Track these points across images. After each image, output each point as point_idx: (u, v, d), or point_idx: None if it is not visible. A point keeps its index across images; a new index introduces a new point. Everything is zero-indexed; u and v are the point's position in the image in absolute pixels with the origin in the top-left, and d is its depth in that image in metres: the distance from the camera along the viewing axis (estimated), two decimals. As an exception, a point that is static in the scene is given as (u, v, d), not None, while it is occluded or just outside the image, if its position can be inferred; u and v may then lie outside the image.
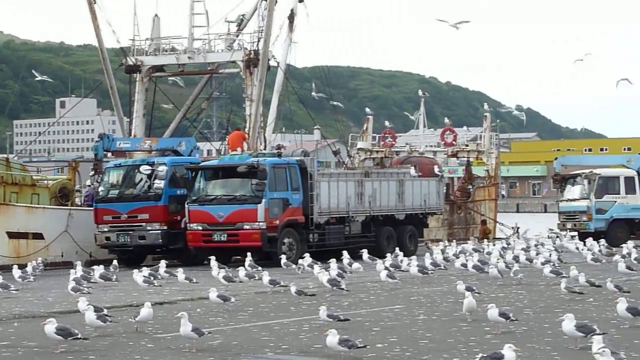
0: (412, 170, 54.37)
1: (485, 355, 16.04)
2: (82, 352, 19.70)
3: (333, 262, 34.95)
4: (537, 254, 40.90)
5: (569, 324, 18.80)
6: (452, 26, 69.17)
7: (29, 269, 36.53)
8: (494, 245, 49.42)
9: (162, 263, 37.21)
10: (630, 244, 46.40)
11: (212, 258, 36.95)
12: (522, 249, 44.06)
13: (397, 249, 43.82)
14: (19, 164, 56.32)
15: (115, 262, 39.58)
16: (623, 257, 39.24)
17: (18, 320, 25.50)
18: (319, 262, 36.29)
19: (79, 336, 19.89)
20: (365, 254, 40.58)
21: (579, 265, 38.10)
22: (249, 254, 37.79)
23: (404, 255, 40.48)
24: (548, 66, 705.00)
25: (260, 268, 35.48)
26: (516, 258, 38.60)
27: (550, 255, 40.73)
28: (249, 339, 21.25)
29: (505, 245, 48.48)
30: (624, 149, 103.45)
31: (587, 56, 67.39)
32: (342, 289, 29.84)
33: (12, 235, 46.52)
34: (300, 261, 38.68)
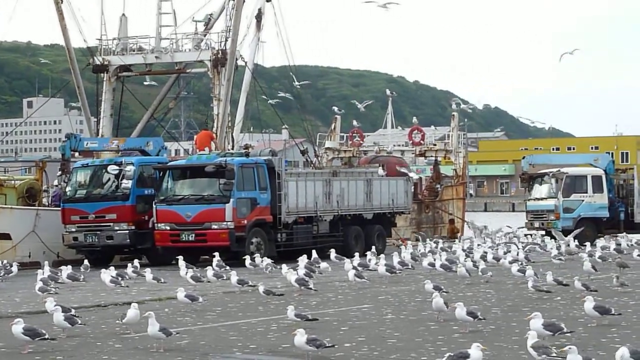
0: (380, 170, 54.51)
1: (452, 354, 16.08)
2: (49, 352, 19.66)
3: (301, 261, 35.06)
4: (505, 253, 41.15)
5: (536, 322, 18.87)
6: (380, 7, 68.55)
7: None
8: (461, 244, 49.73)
9: (136, 262, 37.23)
10: (600, 242, 46.84)
11: (180, 258, 36.91)
12: (489, 248, 44.35)
13: (372, 248, 43.91)
14: (-15, 164, 56.12)
15: (86, 262, 39.49)
16: (590, 255, 39.43)
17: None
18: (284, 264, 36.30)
19: (46, 337, 19.86)
20: (333, 253, 40.65)
21: (545, 264, 38.35)
22: (216, 254, 37.76)
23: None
24: (515, 64, 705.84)
25: (228, 268, 35.48)
26: (484, 257, 38.74)
27: (517, 254, 41.00)
28: (217, 338, 21.26)
29: (472, 244, 48.70)
30: (592, 148, 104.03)
31: (575, 51, 66.56)
32: (310, 288, 29.83)
33: (-21, 236, 46.38)
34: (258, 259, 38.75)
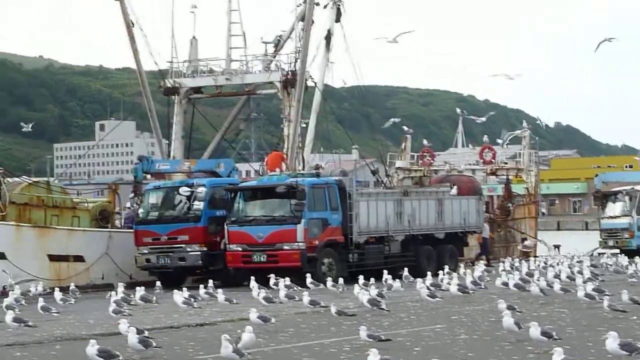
0: (454, 190, 54.33)
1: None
2: (123, 375, 19.75)
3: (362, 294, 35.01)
4: (579, 272, 40.77)
5: (612, 342, 18.66)
6: (390, 42, 68.21)
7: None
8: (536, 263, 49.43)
9: (211, 283, 37.35)
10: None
11: (252, 279, 37.10)
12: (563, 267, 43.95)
13: (445, 267, 43.71)
14: (60, 187, 56.63)
15: (158, 283, 39.68)
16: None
17: (60, 342, 25.54)
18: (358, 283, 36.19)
19: (120, 358, 19.95)
20: (405, 272, 40.60)
21: (619, 283, 37.94)
22: (287, 278, 37.62)
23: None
24: (585, 81, 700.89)
25: (298, 288, 35.47)
26: (557, 276, 38.43)
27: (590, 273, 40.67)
28: (289, 359, 21.20)
29: (546, 264, 48.35)
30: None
31: (613, 40, 65.37)
32: (383, 308, 29.74)
33: (53, 258, 46.72)
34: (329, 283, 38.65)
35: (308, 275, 38.38)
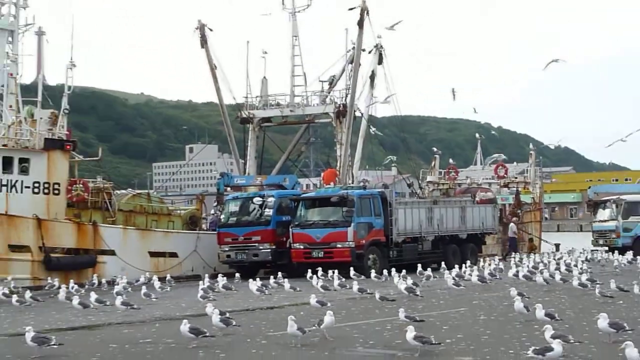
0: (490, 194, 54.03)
1: (537, 348, 15.93)
2: (210, 347, 19.87)
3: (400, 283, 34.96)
4: (575, 265, 40.60)
5: (603, 321, 18.59)
6: (388, 29, 66.47)
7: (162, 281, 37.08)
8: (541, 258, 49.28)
9: (280, 275, 37.42)
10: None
11: (309, 271, 37.36)
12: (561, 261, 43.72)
13: (467, 261, 43.60)
14: (158, 197, 57.03)
15: (237, 275, 39.76)
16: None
17: (158, 322, 25.74)
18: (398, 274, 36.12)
19: (207, 334, 20.08)
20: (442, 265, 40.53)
21: (608, 274, 37.64)
22: (335, 270, 37.64)
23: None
24: (580, 111, 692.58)
25: (344, 279, 35.46)
26: (558, 269, 38.30)
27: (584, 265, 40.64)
28: (342, 336, 21.26)
29: (549, 259, 48.16)
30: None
31: (560, 61, 63.89)
32: (417, 295, 29.74)
33: (152, 254, 47.01)
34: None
35: (351, 268, 38.43)
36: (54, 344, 19.28)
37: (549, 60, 69.50)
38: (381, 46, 60.26)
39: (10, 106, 45.31)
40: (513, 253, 55.26)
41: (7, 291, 33.64)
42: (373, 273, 38.30)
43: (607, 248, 58.63)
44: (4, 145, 43.64)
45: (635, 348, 14.93)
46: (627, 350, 15.00)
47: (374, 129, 65.28)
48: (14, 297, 31.74)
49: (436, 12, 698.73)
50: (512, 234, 61.57)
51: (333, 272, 36.55)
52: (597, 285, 29.39)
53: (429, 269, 39.89)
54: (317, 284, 33.45)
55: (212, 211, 54.14)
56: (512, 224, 62.31)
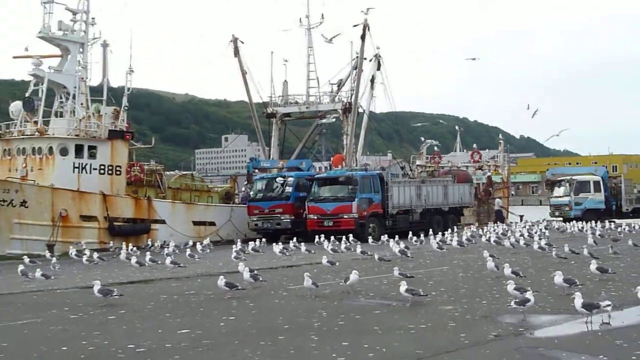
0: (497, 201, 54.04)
1: (517, 300, 15.96)
2: (241, 297, 19.91)
3: (395, 244, 34.85)
4: (535, 233, 40.58)
5: (558, 278, 18.59)
6: (327, 42, 65.88)
7: (203, 243, 37.18)
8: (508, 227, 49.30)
9: (295, 240, 37.45)
10: (599, 225, 46.09)
11: (320, 237, 37.48)
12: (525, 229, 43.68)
13: (449, 229, 43.57)
14: (199, 177, 57.15)
15: (263, 240, 39.74)
16: (592, 233, 38.76)
17: (200, 277, 25.79)
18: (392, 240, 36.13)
19: (239, 287, 20.15)
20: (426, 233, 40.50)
21: (563, 239, 37.53)
22: (350, 235, 37.83)
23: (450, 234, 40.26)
24: (541, 106, 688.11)
25: (348, 243, 35.50)
26: (522, 235, 38.28)
27: (544, 233, 40.58)
28: (347, 290, 21.29)
29: (514, 228, 48.26)
30: (593, 163, 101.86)
31: (476, 60, 63.66)
32: (408, 256, 29.76)
33: (195, 223, 47.21)
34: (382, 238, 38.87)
35: (350, 235, 38.34)
36: (116, 295, 19.38)
37: (468, 57, 69.56)
38: (379, 55, 60.14)
39: (82, 104, 45.47)
40: (499, 222, 55.36)
41: (78, 252, 33.90)
42: (370, 239, 38.47)
43: (562, 218, 58.74)
44: (76, 135, 43.88)
45: (583, 299, 14.91)
46: (576, 300, 14.98)
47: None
48: (84, 257, 31.95)
49: (431, 15, 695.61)
50: (499, 207, 62.17)
51: (346, 237, 36.73)
52: (554, 249, 29.42)
53: (422, 235, 39.75)
54: (327, 247, 33.57)
55: (243, 189, 54.37)
56: (497, 199, 62.84)
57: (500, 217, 61.27)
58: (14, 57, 47.22)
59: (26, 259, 30.19)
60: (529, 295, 16.11)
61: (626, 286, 19.58)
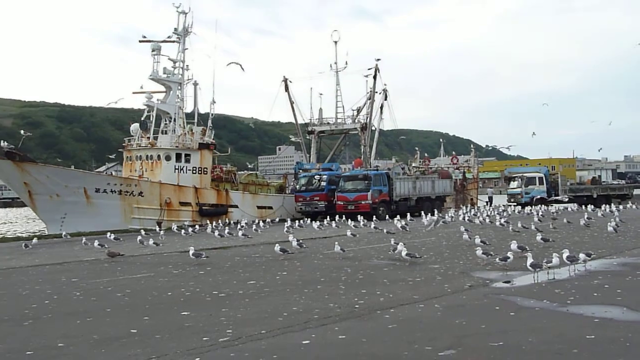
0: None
1: (500, 257, 16.06)
2: (291, 260, 19.91)
3: (397, 221, 34.64)
4: (497, 214, 40.14)
5: (514, 245, 18.39)
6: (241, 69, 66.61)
7: (264, 222, 37.22)
8: (477, 209, 48.82)
9: (327, 219, 37.38)
10: (541, 207, 45.63)
11: (344, 217, 37.27)
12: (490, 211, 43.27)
13: (435, 211, 43.40)
14: (261, 176, 57.29)
15: (307, 219, 39.68)
16: (537, 214, 38.36)
17: (262, 245, 25.84)
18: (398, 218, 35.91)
19: (289, 252, 20.18)
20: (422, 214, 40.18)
21: (516, 218, 37.13)
22: (360, 216, 37.56)
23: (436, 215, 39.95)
24: (500, 125, 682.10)
25: (363, 223, 35.37)
26: (488, 215, 37.94)
27: (503, 214, 40.16)
28: (365, 254, 21.23)
29: (482, 210, 47.78)
30: (538, 164, 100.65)
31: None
32: (407, 230, 29.60)
33: (259, 207, 47.32)
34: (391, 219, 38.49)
35: (360, 217, 37.28)
36: (204, 257, 19.49)
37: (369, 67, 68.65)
38: (386, 89, 59.81)
39: (180, 125, 45.79)
40: (489, 205, 55.40)
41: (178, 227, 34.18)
42: (373, 223, 37.13)
43: (515, 204, 58.06)
44: (176, 147, 44.22)
45: (533, 259, 14.74)
46: (529, 260, 14.83)
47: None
48: (182, 230, 32.17)
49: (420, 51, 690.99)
50: (491, 194, 62.85)
51: (362, 217, 36.63)
52: (510, 225, 29.08)
53: (429, 215, 39.37)
54: (350, 224, 33.50)
55: (292, 183, 54.37)
56: (489, 189, 63.33)
57: (490, 202, 62.87)
58: (133, 93, 47.74)
59: (142, 232, 30.51)
60: (509, 253, 16.32)
61: (562, 248, 19.28)
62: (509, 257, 16.05)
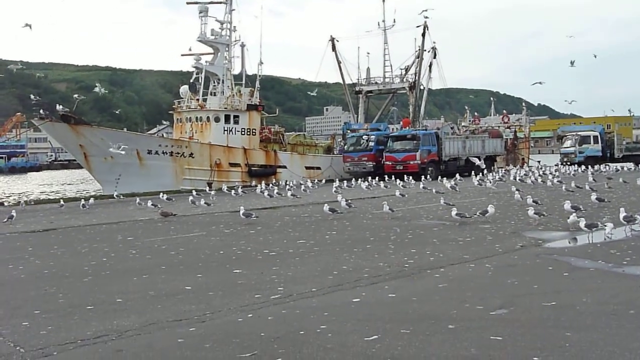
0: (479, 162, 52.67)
1: (480, 211, 15.96)
2: (340, 220, 19.98)
3: (447, 182, 34.29)
4: (550, 174, 39.34)
5: (567, 205, 18.00)
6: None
7: (312, 183, 37.37)
8: (529, 169, 47.96)
9: (377, 179, 37.31)
10: (595, 167, 44.59)
11: (392, 177, 37.09)
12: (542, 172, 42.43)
13: (485, 171, 42.96)
14: (310, 136, 57.55)
15: (355, 180, 39.77)
16: (591, 173, 37.39)
17: (311, 205, 25.93)
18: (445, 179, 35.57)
19: (338, 211, 20.25)
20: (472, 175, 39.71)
21: (571, 178, 36.29)
22: (410, 177, 37.45)
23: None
24: (553, 81, 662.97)
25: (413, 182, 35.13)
26: (540, 175, 37.22)
27: (555, 172, 39.32)
28: (414, 214, 21.14)
29: (535, 170, 46.90)
30: (592, 122, 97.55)
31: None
32: (457, 190, 29.29)
33: (307, 168, 47.57)
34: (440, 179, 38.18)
35: (410, 177, 37.60)
36: (254, 217, 19.75)
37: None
38: (435, 47, 58.65)
39: (228, 86, 46.12)
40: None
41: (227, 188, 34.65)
42: (422, 183, 34.68)
43: (569, 163, 56.79)
44: (225, 108, 44.62)
45: (585, 220, 14.42)
46: (582, 221, 14.51)
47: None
48: (232, 191, 32.59)
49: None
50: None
51: (412, 177, 36.50)
52: (564, 184, 28.46)
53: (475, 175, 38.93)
54: (398, 184, 33.33)
55: (340, 144, 54.28)
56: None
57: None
58: (182, 55, 48.27)
59: (194, 192, 31.06)
60: (489, 207, 17.31)
61: (618, 212, 18.80)
62: (486, 212, 16.93)
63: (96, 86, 46.03)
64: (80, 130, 38.84)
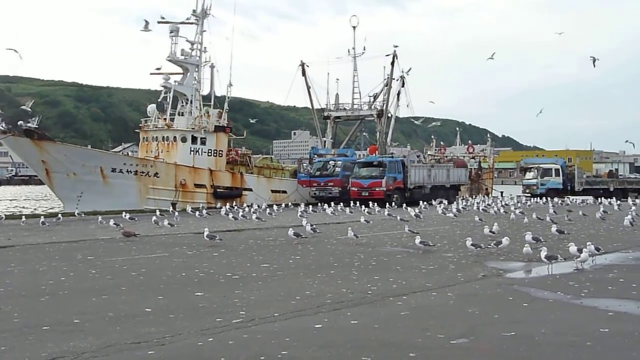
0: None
1: (494, 242, 16.03)
2: (304, 244, 19.90)
3: (411, 210, 34.46)
4: (512, 205, 39.94)
5: (528, 236, 18.30)
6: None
7: (277, 206, 37.24)
8: (491, 200, 48.57)
9: (341, 205, 37.31)
10: (556, 199, 45.31)
11: (357, 203, 37.14)
12: (505, 203, 43.03)
13: (457, 199, 43.42)
14: (276, 160, 57.32)
15: (320, 205, 39.74)
16: (553, 205, 38.09)
17: (276, 228, 25.82)
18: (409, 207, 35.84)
19: (303, 236, 20.18)
20: (434, 202, 40.03)
21: (532, 210, 36.85)
22: (375, 203, 37.63)
23: (449, 203, 39.81)
24: (518, 113, 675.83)
25: (377, 209, 35.28)
26: (503, 206, 37.76)
27: (518, 205, 39.91)
28: (378, 240, 21.21)
29: (496, 201, 47.52)
30: (555, 155, 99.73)
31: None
32: (420, 218, 29.52)
33: (273, 191, 47.44)
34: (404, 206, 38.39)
35: (375, 203, 37.80)
36: (218, 239, 19.59)
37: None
38: (404, 76, 59.43)
39: (196, 107, 45.90)
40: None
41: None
42: (387, 210, 35.23)
43: (530, 195, 57.77)
44: (192, 129, 44.35)
45: (548, 252, 14.66)
46: (542, 253, 14.75)
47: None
48: (197, 212, 32.33)
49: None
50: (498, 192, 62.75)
51: (376, 204, 36.64)
52: (525, 216, 28.95)
53: (443, 202, 39.29)
54: (364, 210, 33.48)
55: (305, 167, 54.34)
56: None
57: (502, 194, 62.41)
58: (151, 74, 47.91)
59: (157, 212, 30.69)
60: (504, 240, 17.08)
61: (577, 242, 19.17)
62: (500, 242, 16.44)
63: (25, 104, 44.82)
64: (43, 145, 38.18)
